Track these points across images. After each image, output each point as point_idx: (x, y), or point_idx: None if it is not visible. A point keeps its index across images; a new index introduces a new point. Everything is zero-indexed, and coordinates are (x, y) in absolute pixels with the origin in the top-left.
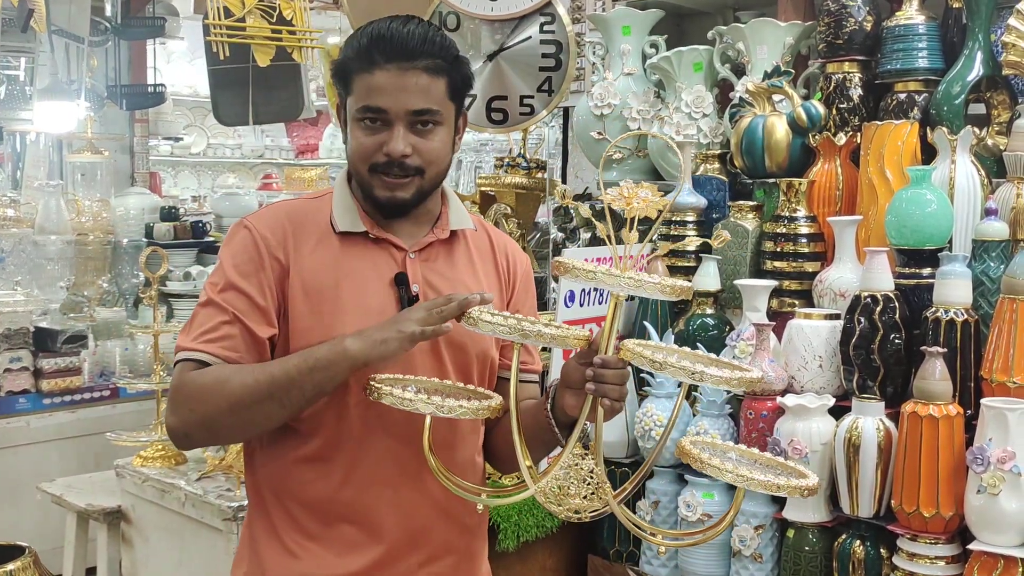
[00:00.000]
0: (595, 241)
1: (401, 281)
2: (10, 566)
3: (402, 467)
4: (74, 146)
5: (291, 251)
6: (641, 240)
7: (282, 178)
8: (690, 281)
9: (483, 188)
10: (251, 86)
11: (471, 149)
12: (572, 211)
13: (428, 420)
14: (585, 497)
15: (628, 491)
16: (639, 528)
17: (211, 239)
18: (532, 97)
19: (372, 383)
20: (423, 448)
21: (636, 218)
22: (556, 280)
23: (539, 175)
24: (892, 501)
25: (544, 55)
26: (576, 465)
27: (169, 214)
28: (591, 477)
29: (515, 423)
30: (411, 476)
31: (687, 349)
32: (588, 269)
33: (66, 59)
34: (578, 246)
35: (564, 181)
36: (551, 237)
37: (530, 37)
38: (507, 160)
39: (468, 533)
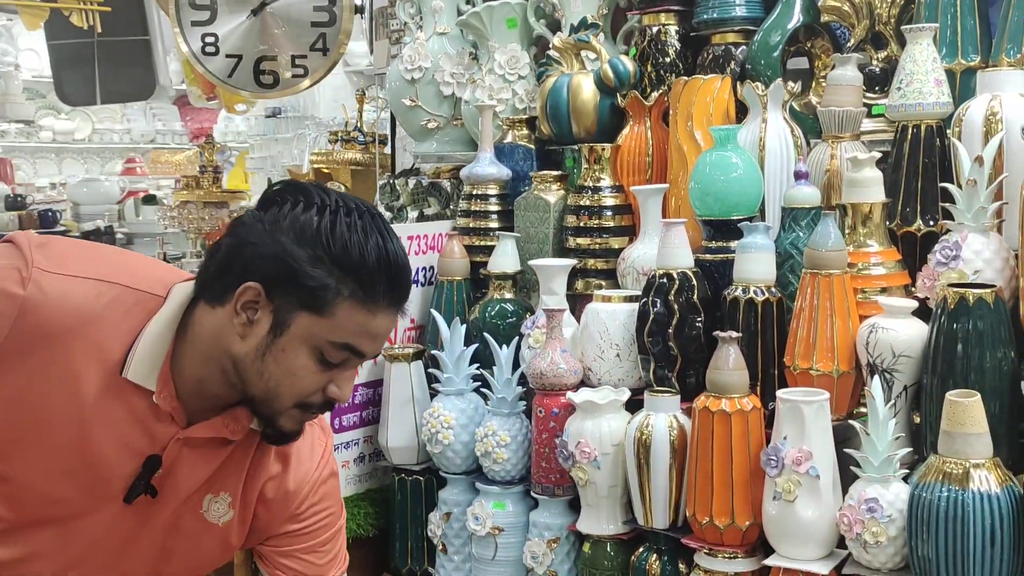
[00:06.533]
0: (423, 219)
1: (152, 467)
2: None
3: None
4: None
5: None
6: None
7: (146, 162)
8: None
9: (316, 165)
10: (96, 63)
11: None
12: (399, 187)
13: None
14: None
15: None
16: None
17: (63, 228)
18: (305, 57)
19: None
20: None
21: None
22: None
23: (377, 149)
24: (686, 510)
25: (316, 8)
26: None
27: (14, 202)
28: None
29: None
30: None
31: None
32: None
33: None
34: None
35: (392, 154)
36: None
37: None
38: (341, 135)
39: None
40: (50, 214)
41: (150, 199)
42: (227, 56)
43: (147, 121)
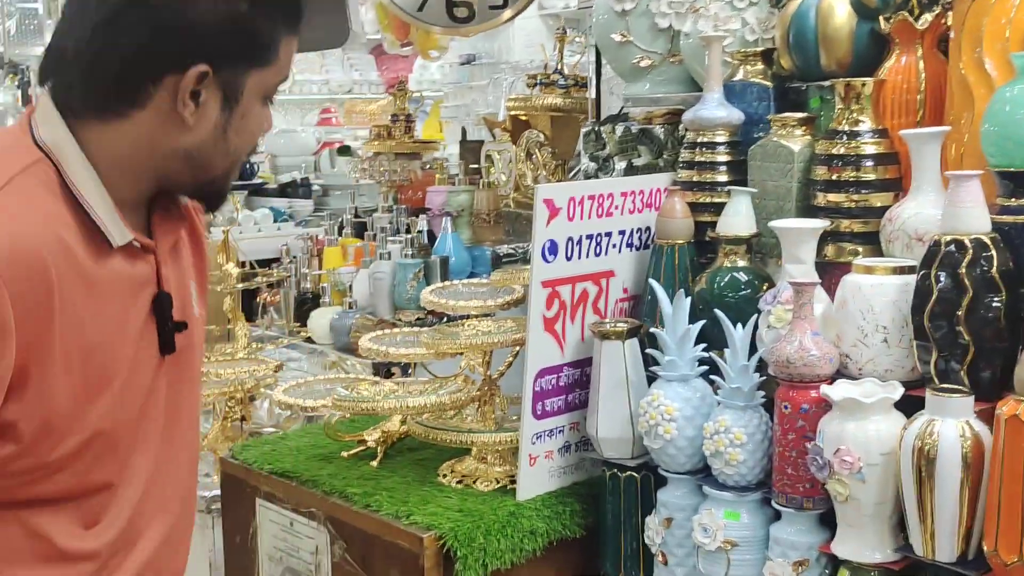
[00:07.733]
0: (631, 171)
1: (165, 305)
2: None
3: None
4: None
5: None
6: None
7: (341, 112)
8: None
9: (513, 112)
10: None
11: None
12: (604, 135)
13: None
14: None
15: None
16: None
17: (260, 181)
18: None
19: None
20: None
21: None
22: None
23: (580, 94)
24: (984, 543)
25: None
26: None
27: None
28: None
29: None
30: None
31: None
32: None
33: None
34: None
35: (597, 98)
36: (581, 168)
37: None
38: (541, 78)
39: None
40: (248, 166)
41: (345, 150)
42: None
43: (344, 71)
